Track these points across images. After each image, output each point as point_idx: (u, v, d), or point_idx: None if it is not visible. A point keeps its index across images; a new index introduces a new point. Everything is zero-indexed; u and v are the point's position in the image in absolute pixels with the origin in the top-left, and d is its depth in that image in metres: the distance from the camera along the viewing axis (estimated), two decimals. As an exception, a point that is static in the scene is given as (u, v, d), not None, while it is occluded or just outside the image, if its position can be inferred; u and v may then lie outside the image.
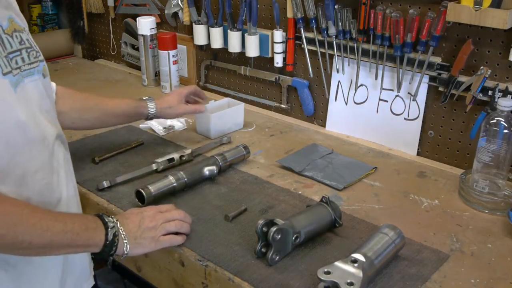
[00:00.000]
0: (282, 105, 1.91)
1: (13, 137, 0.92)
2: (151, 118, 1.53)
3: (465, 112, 1.48)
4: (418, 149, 1.60)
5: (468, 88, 1.42)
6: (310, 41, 1.72)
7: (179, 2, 2.10)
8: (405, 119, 1.61)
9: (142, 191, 1.27)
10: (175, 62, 2.06)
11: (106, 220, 1.03)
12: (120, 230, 1.04)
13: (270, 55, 1.86)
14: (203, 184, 1.40)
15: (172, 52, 2.04)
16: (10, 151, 0.91)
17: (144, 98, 1.51)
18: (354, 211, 1.29)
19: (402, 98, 1.60)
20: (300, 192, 1.38)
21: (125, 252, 1.05)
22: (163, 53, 2.05)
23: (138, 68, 2.27)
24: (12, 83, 0.92)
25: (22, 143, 0.93)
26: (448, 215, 1.28)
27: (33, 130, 0.96)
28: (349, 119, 1.73)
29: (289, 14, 1.74)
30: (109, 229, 1.02)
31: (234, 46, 1.91)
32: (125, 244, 1.04)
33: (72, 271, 1.10)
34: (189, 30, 2.09)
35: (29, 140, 0.95)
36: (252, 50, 1.86)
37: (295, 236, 1.10)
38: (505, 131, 1.26)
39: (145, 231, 1.08)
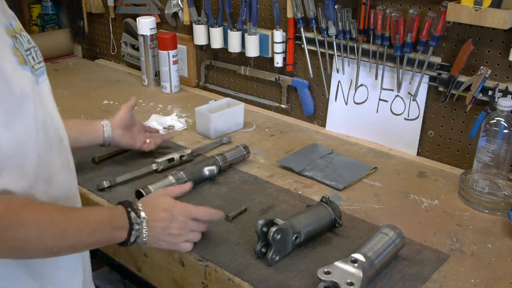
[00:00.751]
0: (282, 105, 1.91)
1: (40, 136, 0.91)
2: (108, 143, 1.45)
3: (465, 112, 1.48)
4: (418, 149, 1.60)
5: (468, 88, 1.42)
6: (310, 41, 1.72)
7: (179, 2, 2.10)
8: (405, 119, 1.61)
9: (142, 191, 1.27)
10: (175, 62, 2.06)
11: (133, 221, 1.00)
12: (144, 231, 1.02)
13: (270, 55, 1.86)
14: (203, 184, 1.40)
15: (172, 52, 2.04)
16: (39, 151, 0.91)
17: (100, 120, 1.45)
18: (354, 211, 1.29)
19: (402, 98, 1.60)
20: (300, 192, 1.38)
21: (140, 244, 1.04)
22: (163, 53, 2.05)
23: (138, 68, 2.27)
24: (35, 81, 0.92)
25: (47, 142, 0.93)
26: (448, 215, 1.28)
27: (53, 130, 0.96)
28: (349, 119, 1.73)
29: (289, 14, 1.74)
30: (133, 231, 1.00)
31: (234, 46, 1.91)
32: (144, 242, 1.03)
33: (87, 271, 1.10)
34: (189, 30, 2.09)
35: (50, 140, 0.94)
36: (252, 50, 1.86)
37: (295, 236, 1.10)
38: (505, 131, 1.26)
39: (169, 236, 1.07)
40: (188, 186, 1.23)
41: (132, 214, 1.00)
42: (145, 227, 1.02)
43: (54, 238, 0.87)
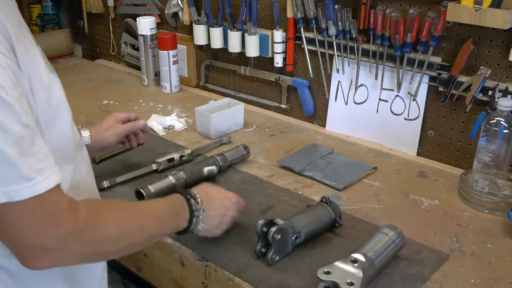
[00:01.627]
0: (282, 105, 1.91)
1: (71, 140, 0.92)
2: (87, 147, 1.29)
3: (465, 112, 1.48)
4: (418, 149, 1.60)
5: (468, 88, 1.42)
6: (310, 41, 1.72)
7: (179, 2, 2.10)
8: (405, 119, 1.61)
9: (142, 191, 1.27)
10: (175, 62, 2.06)
11: (194, 208, 1.02)
12: (201, 217, 1.04)
13: (270, 55, 1.86)
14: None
15: (172, 52, 2.04)
16: (74, 158, 0.92)
17: (79, 127, 1.39)
18: (354, 211, 1.29)
19: (402, 98, 1.60)
20: (300, 192, 1.38)
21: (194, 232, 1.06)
22: (163, 53, 2.05)
23: (138, 68, 2.27)
24: None
25: (75, 148, 0.94)
26: (448, 215, 1.28)
27: (76, 135, 0.97)
28: (349, 119, 1.73)
29: (289, 14, 1.74)
30: (194, 218, 1.02)
31: (234, 46, 1.91)
32: (199, 229, 1.05)
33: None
34: (189, 30, 2.09)
35: (76, 144, 0.95)
36: (252, 50, 1.86)
37: (295, 236, 1.10)
38: (505, 131, 1.26)
39: (220, 225, 1.11)
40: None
41: (192, 201, 1.02)
42: (203, 214, 1.04)
43: (135, 234, 0.89)
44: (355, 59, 1.65)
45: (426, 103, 1.55)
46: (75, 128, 0.97)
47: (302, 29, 1.71)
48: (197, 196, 1.05)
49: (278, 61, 1.83)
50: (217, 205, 1.09)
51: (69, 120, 0.91)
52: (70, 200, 0.80)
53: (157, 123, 1.76)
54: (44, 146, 0.77)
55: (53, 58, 2.56)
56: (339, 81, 1.73)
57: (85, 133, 1.32)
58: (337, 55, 1.68)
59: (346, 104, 1.73)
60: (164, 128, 1.75)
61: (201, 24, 1.99)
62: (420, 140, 1.59)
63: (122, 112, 1.45)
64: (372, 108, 1.67)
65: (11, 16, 0.81)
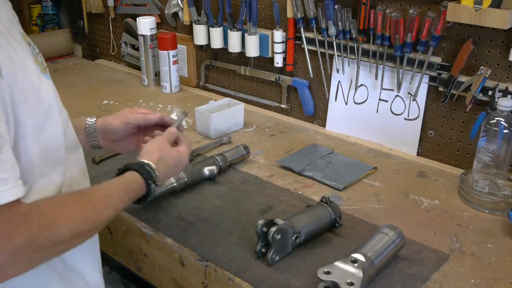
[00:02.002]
0: (282, 105, 1.91)
1: (64, 143, 0.91)
2: (94, 133, 1.19)
3: (465, 112, 1.48)
4: (418, 149, 1.60)
5: (468, 88, 1.42)
6: (310, 41, 1.72)
7: (179, 2, 2.10)
8: (405, 119, 1.61)
9: (142, 191, 1.27)
10: (175, 62, 2.06)
11: (152, 190, 1.00)
12: (154, 176, 1.01)
13: (270, 55, 1.86)
14: (203, 184, 1.40)
15: (172, 52, 2.04)
16: (65, 160, 0.91)
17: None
18: (354, 211, 1.29)
19: (402, 98, 1.60)
20: (300, 192, 1.38)
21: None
22: (163, 53, 2.05)
23: (138, 68, 2.27)
24: None
25: (68, 151, 0.93)
26: (448, 215, 1.28)
27: (71, 136, 0.96)
28: (349, 119, 1.73)
29: (289, 14, 1.74)
30: (149, 198, 1.01)
31: (234, 46, 1.91)
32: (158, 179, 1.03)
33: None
34: (189, 30, 2.09)
35: (69, 146, 0.94)
36: (252, 50, 1.86)
37: (295, 236, 1.10)
38: (505, 131, 1.26)
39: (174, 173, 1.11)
40: (175, 129, 1.16)
41: (153, 186, 1.00)
42: (156, 173, 1.01)
43: (90, 229, 0.87)
44: (355, 59, 1.65)
45: (426, 103, 1.55)
46: (69, 130, 0.95)
47: (302, 29, 1.71)
48: (157, 175, 1.01)
49: (278, 61, 1.83)
50: (171, 172, 1.08)
51: (59, 122, 0.89)
52: (26, 210, 0.77)
53: (157, 123, 1.76)
54: (11, 156, 0.75)
55: (53, 58, 2.56)
56: (339, 81, 1.73)
57: (91, 120, 1.19)
58: (337, 55, 1.68)
59: (346, 104, 1.73)
60: (164, 128, 1.75)
61: (201, 24, 1.99)
62: (420, 140, 1.59)
63: (145, 109, 1.25)
64: (372, 108, 1.67)
65: (1, 14, 0.80)
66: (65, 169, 0.91)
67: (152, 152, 1.05)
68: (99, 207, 0.88)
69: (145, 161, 1.02)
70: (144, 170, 0.99)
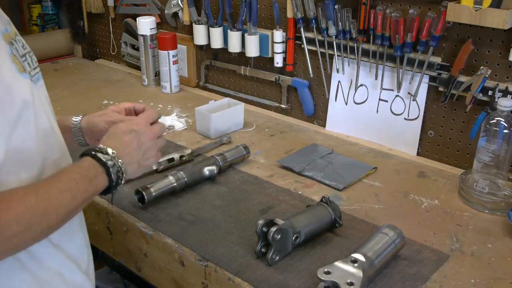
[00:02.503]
0: (282, 105, 1.91)
1: (42, 145, 0.89)
2: (80, 134, 1.18)
3: (465, 112, 1.48)
4: (418, 149, 1.60)
5: (468, 88, 1.42)
6: (310, 41, 1.72)
7: (179, 2, 2.10)
8: (405, 119, 1.61)
9: (142, 191, 1.27)
10: (175, 62, 2.06)
11: (104, 160, 0.93)
12: (120, 163, 0.95)
13: (270, 55, 1.86)
14: (203, 184, 1.40)
15: (172, 52, 2.05)
16: (41, 161, 0.89)
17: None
18: (354, 211, 1.29)
19: (402, 98, 1.60)
20: (300, 192, 1.38)
21: (127, 178, 0.99)
22: (163, 53, 2.05)
23: (138, 68, 2.27)
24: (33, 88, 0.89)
25: (49, 151, 0.91)
26: (448, 215, 1.28)
27: (54, 138, 0.94)
28: (349, 119, 1.73)
29: (289, 14, 1.74)
30: (110, 169, 0.93)
31: (234, 46, 1.91)
32: (126, 172, 0.97)
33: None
34: (189, 30, 2.09)
35: (52, 148, 0.93)
36: (252, 50, 1.86)
37: (295, 236, 1.10)
38: (505, 131, 1.26)
39: (147, 152, 1.03)
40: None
41: (99, 155, 0.93)
42: (119, 161, 0.95)
43: (40, 222, 0.83)
44: (355, 59, 1.65)
45: (426, 103, 1.55)
46: (52, 130, 0.93)
47: (302, 29, 1.71)
48: (103, 147, 0.95)
49: (278, 61, 1.83)
50: (129, 139, 1.00)
51: (32, 123, 0.86)
52: None
53: (157, 123, 1.76)
54: None
55: (53, 58, 2.56)
56: (339, 81, 1.73)
57: (76, 118, 1.19)
58: (337, 55, 1.68)
59: (346, 104, 1.73)
60: (164, 128, 1.75)
61: (201, 24, 1.99)
62: (420, 140, 1.59)
63: (129, 102, 1.23)
64: (372, 108, 1.67)
65: None
66: (40, 169, 0.89)
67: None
68: (48, 194, 0.84)
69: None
70: (87, 149, 0.95)
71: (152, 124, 1.07)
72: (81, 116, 1.18)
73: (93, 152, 0.93)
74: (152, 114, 1.09)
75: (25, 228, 0.81)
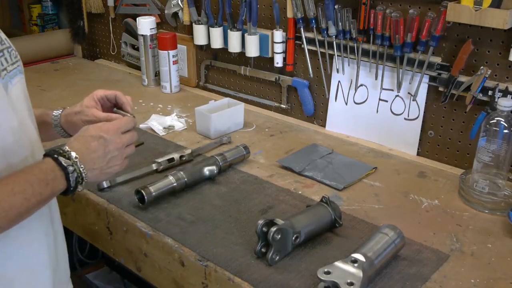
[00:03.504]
0: (282, 105, 1.91)
1: (8, 144, 0.88)
2: (61, 129, 1.17)
3: (465, 112, 1.48)
4: (418, 149, 1.60)
5: (468, 88, 1.42)
6: (310, 41, 1.72)
7: (179, 2, 2.10)
8: (405, 119, 1.61)
9: (142, 191, 1.27)
10: (175, 62, 2.06)
11: (65, 165, 0.91)
12: (81, 169, 0.94)
13: (270, 55, 1.86)
14: (203, 184, 1.40)
15: (172, 52, 2.05)
16: (6, 159, 0.88)
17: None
18: (354, 211, 1.29)
19: (402, 98, 1.60)
20: (300, 192, 1.38)
21: (86, 181, 0.97)
22: (163, 53, 2.05)
23: (138, 68, 2.27)
24: (4, 86, 0.88)
25: (16, 150, 0.90)
26: (448, 215, 1.28)
27: (24, 136, 0.93)
28: (349, 119, 1.73)
29: (289, 14, 1.74)
30: (70, 174, 0.91)
31: (234, 46, 1.91)
32: (87, 178, 0.95)
33: (59, 274, 1.06)
34: (189, 30, 2.09)
35: (22, 147, 0.92)
36: (252, 50, 1.86)
37: (295, 236, 1.10)
38: (505, 131, 1.26)
39: (111, 161, 1.00)
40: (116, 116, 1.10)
41: (61, 159, 0.91)
42: (81, 166, 0.94)
43: None
44: (355, 59, 1.65)
45: (426, 103, 1.55)
46: (22, 128, 0.92)
47: (302, 29, 1.71)
48: (68, 150, 0.94)
49: (278, 61, 1.83)
50: (95, 146, 0.97)
51: (3, 119, 0.85)
52: None
53: (157, 123, 1.76)
54: None
55: (53, 58, 2.56)
56: (339, 81, 1.73)
57: (56, 112, 1.16)
58: (337, 55, 1.68)
59: (346, 104, 1.73)
60: (164, 128, 1.75)
61: (201, 24, 1.99)
62: (420, 140, 1.59)
63: (102, 90, 1.17)
64: (372, 108, 1.67)
65: None
66: (11, 169, 0.88)
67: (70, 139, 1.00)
68: (2, 197, 0.83)
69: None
70: (51, 150, 0.93)
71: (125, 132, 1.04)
72: (60, 111, 1.16)
73: (55, 155, 0.92)
74: (126, 123, 1.04)
75: None
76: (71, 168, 0.92)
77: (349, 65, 1.68)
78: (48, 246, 1.01)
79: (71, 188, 0.93)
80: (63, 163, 0.91)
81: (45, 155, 0.93)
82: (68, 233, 1.17)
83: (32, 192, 0.87)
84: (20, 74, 0.96)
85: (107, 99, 1.15)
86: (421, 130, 1.58)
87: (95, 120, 1.09)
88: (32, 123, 0.99)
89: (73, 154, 0.94)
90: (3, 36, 0.94)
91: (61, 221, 1.09)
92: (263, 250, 1.10)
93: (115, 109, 1.15)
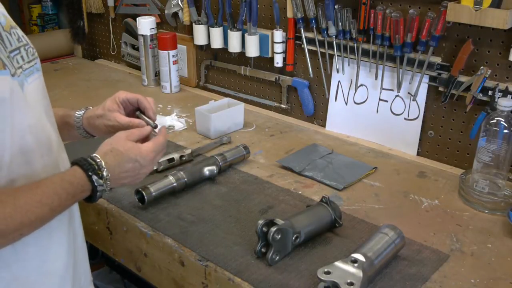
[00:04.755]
0: (282, 105, 1.91)
1: (25, 142, 0.87)
2: (84, 131, 1.16)
3: (465, 112, 1.48)
4: (418, 149, 1.60)
5: (468, 88, 1.42)
6: (310, 41, 1.72)
7: (179, 2, 2.10)
8: (405, 119, 1.61)
9: (142, 191, 1.27)
10: (175, 62, 2.06)
11: (96, 184, 0.92)
12: (107, 186, 0.94)
13: (270, 55, 1.86)
14: (203, 184, 1.40)
15: (172, 52, 2.05)
16: (24, 157, 0.87)
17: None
18: (354, 211, 1.29)
19: (402, 98, 1.60)
20: (300, 192, 1.38)
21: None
22: (163, 53, 2.05)
23: (138, 68, 2.27)
24: (20, 84, 0.88)
25: (33, 148, 0.89)
26: (448, 215, 1.28)
27: (41, 134, 0.92)
28: (349, 119, 1.73)
29: (289, 14, 1.74)
30: (98, 192, 0.93)
31: (234, 46, 1.91)
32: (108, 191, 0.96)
33: (78, 277, 1.06)
34: (189, 30, 2.09)
35: (39, 145, 0.91)
36: (252, 50, 1.86)
37: (295, 236, 1.10)
38: (505, 131, 1.26)
39: (136, 179, 1.02)
40: (148, 128, 1.09)
41: (94, 178, 0.92)
42: (109, 183, 0.94)
43: (12, 232, 0.82)
44: (355, 59, 1.65)
45: (426, 103, 1.55)
46: (40, 126, 0.91)
47: (302, 29, 1.71)
48: (103, 166, 0.94)
49: (278, 61, 1.83)
50: (128, 168, 0.98)
51: (8, 120, 0.83)
52: None
53: (157, 123, 1.76)
54: None
55: (53, 58, 2.56)
56: (339, 81, 1.73)
57: (78, 114, 1.15)
58: (337, 55, 1.68)
59: (346, 104, 1.73)
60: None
61: (201, 24, 1.99)
62: (420, 140, 1.59)
63: (124, 92, 1.15)
64: (372, 108, 1.67)
65: None
66: (9, 173, 0.86)
67: (104, 145, 1.00)
68: (27, 206, 0.83)
69: (91, 154, 0.95)
70: (84, 162, 0.93)
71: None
72: (82, 112, 1.15)
73: (89, 173, 0.92)
74: (162, 145, 1.06)
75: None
76: (100, 188, 0.93)
77: (349, 65, 1.68)
78: (68, 249, 1.01)
79: (93, 200, 0.95)
80: (95, 182, 0.92)
81: (77, 164, 0.92)
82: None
83: (59, 204, 0.88)
84: (37, 72, 0.96)
85: (129, 102, 1.14)
86: (421, 130, 1.58)
87: (117, 126, 1.09)
88: (49, 121, 0.97)
89: (106, 173, 0.94)
90: (20, 33, 0.94)
91: (81, 224, 1.09)
92: (263, 250, 1.10)
93: (138, 112, 1.13)
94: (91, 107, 1.16)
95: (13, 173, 0.87)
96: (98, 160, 0.94)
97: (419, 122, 1.58)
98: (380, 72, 1.61)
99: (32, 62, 0.94)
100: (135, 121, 1.11)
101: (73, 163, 0.94)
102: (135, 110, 1.14)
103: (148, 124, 1.11)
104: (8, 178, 0.86)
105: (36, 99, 0.93)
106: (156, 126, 1.10)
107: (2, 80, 0.84)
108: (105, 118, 1.12)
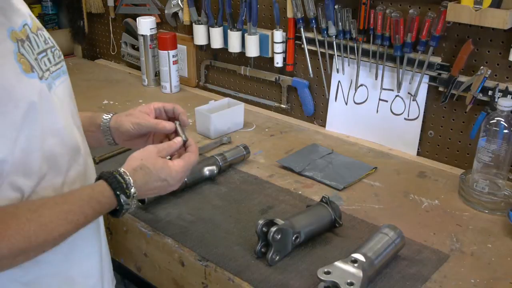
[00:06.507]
0: (282, 105, 1.91)
1: (52, 145, 0.86)
2: (108, 131, 1.14)
3: (465, 112, 1.48)
4: (418, 149, 1.60)
5: (468, 88, 1.42)
6: (310, 41, 1.72)
7: (179, 2, 2.10)
8: (405, 119, 1.61)
9: (142, 191, 1.27)
10: (175, 62, 2.06)
11: (123, 203, 0.91)
12: (134, 202, 0.94)
13: (270, 55, 1.86)
14: (203, 184, 1.40)
15: (172, 52, 2.05)
16: (49, 161, 0.86)
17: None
18: (354, 211, 1.29)
19: (402, 98, 1.60)
20: (300, 192, 1.38)
21: None
22: (163, 53, 2.05)
23: (138, 68, 2.27)
24: (48, 87, 0.86)
25: (59, 152, 0.88)
26: (448, 215, 1.28)
27: (69, 138, 0.91)
28: (349, 119, 1.73)
29: (289, 14, 1.74)
30: (123, 210, 0.92)
31: (234, 46, 1.91)
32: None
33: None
34: (189, 30, 2.09)
35: (65, 149, 0.90)
36: (252, 50, 1.86)
37: (295, 236, 1.10)
38: (505, 131, 1.26)
39: (160, 194, 1.04)
40: (178, 142, 1.07)
41: (122, 198, 0.91)
42: (134, 201, 0.94)
43: (35, 249, 0.81)
44: (355, 59, 1.65)
45: (426, 103, 1.55)
46: (68, 130, 0.91)
47: (302, 29, 1.71)
48: (132, 185, 0.92)
49: (278, 61, 1.83)
50: (156, 186, 0.98)
51: (38, 124, 0.82)
52: None
53: (157, 123, 1.76)
54: None
55: (53, 58, 2.56)
56: (339, 81, 1.73)
57: (107, 117, 1.15)
58: (337, 55, 1.68)
59: (346, 104, 1.73)
60: (164, 128, 1.75)
61: (201, 24, 1.99)
62: (420, 140, 1.59)
63: (160, 102, 1.17)
64: (372, 108, 1.67)
65: None
66: (39, 178, 0.85)
67: (133, 160, 0.97)
68: (52, 224, 0.81)
69: (121, 169, 0.94)
70: (113, 180, 0.91)
71: None
72: (111, 114, 1.15)
73: (117, 192, 0.91)
74: (193, 163, 1.05)
75: (17, 255, 0.78)
76: (126, 206, 0.93)
77: (349, 65, 1.68)
78: (99, 253, 1.03)
79: (117, 217, 0.95)
80: (122, 202, 0.91)
81: (106, 181, 0.91)
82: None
83: (84, 222, 0.87)
84: (64, 75, 0.95)
85: (164, 110, 1.15)
86: (421, 130, 1.58)
87: (144, 124, 1.09)
88: (76, 125, 0.97)
89: (134, 191, 0.93)
90: (47, 35, 0.93)
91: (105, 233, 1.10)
92: (263, 250, 1.10)
93: (177, 123, 1.13)
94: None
95: (42, 179, 0.86)
96: (127, 178, 0.93)
97: (419, 122, 1.58)
98: (380, 72, 1.61)
99: (58, 64, 0.93)
100: (163, 122, 1.11)
101: (101, 177, 0.92)
102: (168, 119, 1.14)
103: (179, 134, 1.10)
104: (36, 184, 0.85)
105: (63, 103, 0.92)
106: (186, 140, 1.09)
107: (31, 83, 0.83)
108: (134, 116, 1.11)
